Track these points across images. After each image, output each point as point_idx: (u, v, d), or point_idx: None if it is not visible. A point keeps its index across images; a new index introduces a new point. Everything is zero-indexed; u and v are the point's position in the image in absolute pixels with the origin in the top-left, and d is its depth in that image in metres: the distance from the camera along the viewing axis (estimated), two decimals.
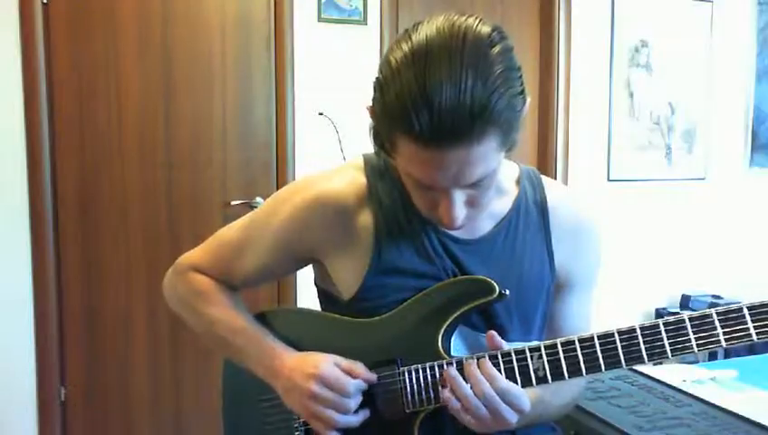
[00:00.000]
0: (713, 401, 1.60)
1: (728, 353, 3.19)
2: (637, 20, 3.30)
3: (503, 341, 0.99)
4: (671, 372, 1.93)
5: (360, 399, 1.02)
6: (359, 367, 1.02)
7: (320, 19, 2.79)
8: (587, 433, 1.50)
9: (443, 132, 0.84)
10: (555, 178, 3.14)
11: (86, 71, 2.56)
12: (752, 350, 3.11)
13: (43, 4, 2.47)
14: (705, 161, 3.52)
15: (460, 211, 0.94)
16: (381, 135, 0.93)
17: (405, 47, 0.87)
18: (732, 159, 3.61)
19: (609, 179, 3.34)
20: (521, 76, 0.92)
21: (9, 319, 2.49)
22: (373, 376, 1.03)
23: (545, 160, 3.25)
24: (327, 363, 1.01)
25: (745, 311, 0.91)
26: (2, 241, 2.47)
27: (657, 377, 1.78)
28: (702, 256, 3.47)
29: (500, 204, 1.10)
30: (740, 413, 1.52)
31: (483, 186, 0.94)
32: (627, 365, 0.95)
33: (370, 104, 0.94)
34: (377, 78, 0.91)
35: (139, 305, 2.67)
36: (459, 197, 0.93)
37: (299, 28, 2.77)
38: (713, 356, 3.27)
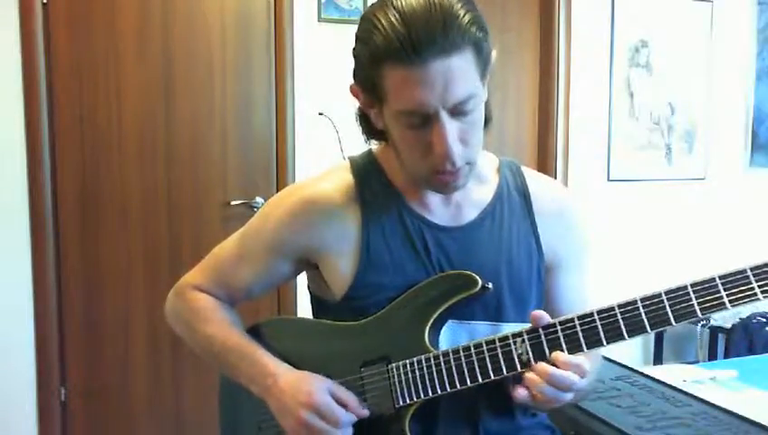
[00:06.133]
0: (713, 401, 1.60)
1: (728, 353, 3.20)
2: (637, 20, 3.30)
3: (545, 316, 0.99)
4: (671, 372, 1.93)
5: (351, 432, 1.03)
6: (352, 400, 1.04)
7: (320, 19, 2.79)
8: (587, 433, 1.51)
9: (423, 43, 0.91)
10: (555, 178, 3.16)
11: (86, 71, 2.56)
12: (751, 350, 3.11)
13: (43, 4, 2.47)
14: (705, 161, 3.52)
15: (454, 142, 0.97)
16: (371, 84, 0.99)
17: (378, 2, 0.98)
18: (732, 159, 3.61)
19: (609, 179, 3.34)
20: (486, 29, 0.98)
21: (9, 319, 2.49)
22: (365, 412, 1.04)
23: (545, 160, 3.25)
24: (321, 393, 1.03)
25: (749, 272, 0.90)
26: (2, 241, 2.47)
27: (657, 377, 1.78)
28: (702, 255, 3.47)
29: (482, 192, 1.14)
30: (740, 413, 1.52)
31: (470, 117, 0.98)
32: (608, 343, 0.96)
33: (353, 83, 1.04)
34: (356, 36, 1.00)
35: (138, 305, 2.66)
36: (451, 126, 0.97)
37: (299, 28, 2.77)
38: (713, 356, 3.27)
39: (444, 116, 0.96)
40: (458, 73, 0.94)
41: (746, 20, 3.56)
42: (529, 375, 0.96)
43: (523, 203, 1.15)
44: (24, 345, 2.51)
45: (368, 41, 0.96)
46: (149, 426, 2.72)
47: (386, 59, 0.94)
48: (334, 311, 1.12)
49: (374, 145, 1.17)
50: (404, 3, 0.94)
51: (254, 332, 1.18)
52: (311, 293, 1.21)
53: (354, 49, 1.02)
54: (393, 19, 0.93)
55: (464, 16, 0.93)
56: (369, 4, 2.79)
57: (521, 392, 0.97)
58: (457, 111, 0.97)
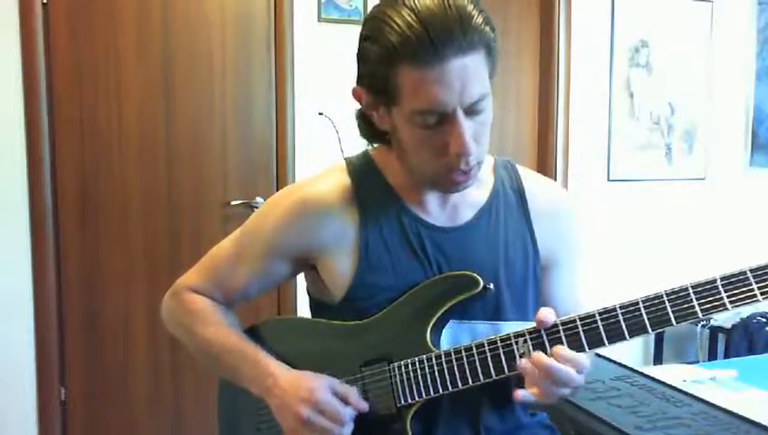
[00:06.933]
0: (713, 401, 1.60)
1: (728, 353, 3.20)
2: (637, 20, 3.30)
3: (549, 317, 1.00)
4: (671, 372, 1.93)
5: (351, 427, 1.03)
6: (353, 394, 1.04)
7: (320, 19, 2.79)
8: (587, 433, 1.51)
9: (442, 42, 0.92)
10: (555, 179, 3.16)
11: (86, 71, 2.55)
12: (751, 350, 3.11)
13: (43, 4, 2.46)
14: (705, 161, 3.52)
15: (469, 139, 0.98)
16: (381, 84, 0.98)
17: (386, 1, 0.97)
18: (732, 159, 3.61)
19: (609, 179, 3.34)
20: (496, 29, 0.99)
21: (9, 319, 2.49)
22: (365, 405, 1.04)
23: (545, 160, 3.24)
24: (323, 389, 1.03)
25: (749, 273, 0.91)
26: (2, 241, 2.47)
27: (657, 377, 1.78)
28: (702, 255, 3.47)
29: (478, 192, 1.14)
30: (740, 413, 1.52)
31: (482, 116, 0.99)
32: (609, 343, 0.97)
33: (356, 86, 1.04)
34: (364, 36, 0.99)
35: (138, 305, 2.66)
36: (467, 125, 0.97)
37: (299, 28, 2.77)
38: (713, 356, 3.28)
39: (461, 115, 0.96)
40: (473, 73, 0.95)
41: (746, 20, 3.56)
42: (527, 367, 0.96)
43: (518, 202, 1.15)
44: (24, 345, 2.51)
45: (379, 40, 0.95)
46: (149, 426, 2.72)
47: (402, 58, 0.94)
48: (334, 313, 1.11)
49: (370, 146, 1.17)
50: (417, 2, 0.93)
51: (253, 333, 1.18)
52: (310, 296, 1.21)
53: (361, 49, 1.01)
54: (408, 18, 0.92)
55: (477, 16, 0.94)
56: (369, 4, 2.80)
57: (522, 393, 0.97)
58: (472, 111, 0.97)
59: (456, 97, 0.95)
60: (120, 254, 2.64)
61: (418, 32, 0.92)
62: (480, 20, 0.94)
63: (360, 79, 1.03)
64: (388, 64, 0.95)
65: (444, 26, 0.91)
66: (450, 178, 1.02)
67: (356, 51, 1.02)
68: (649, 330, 0.95)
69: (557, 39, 3.18)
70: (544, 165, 3.23)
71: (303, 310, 2.40)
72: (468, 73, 0.94)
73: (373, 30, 0.97)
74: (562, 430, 1.28)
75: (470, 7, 0.94)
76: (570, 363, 0.96)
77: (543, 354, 0.96)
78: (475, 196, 1.13)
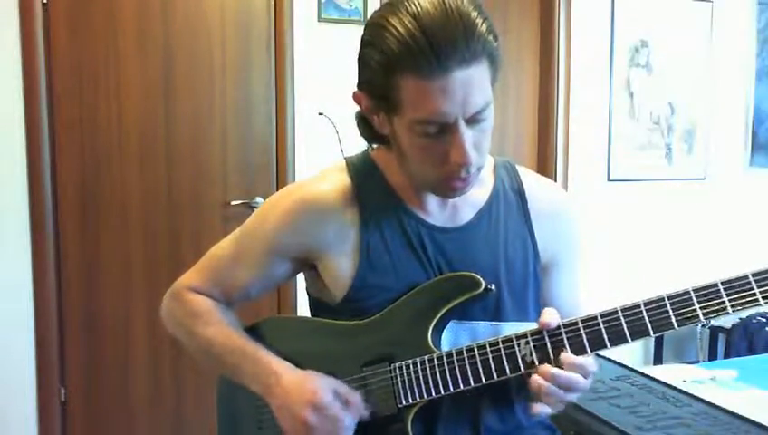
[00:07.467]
0: (713, 401, 1.60)
1: (728, 353, 3.20)
2: (637, 20, 3.30)
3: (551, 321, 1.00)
4: (671, 372, 1.93)
5: (353, 430, 1.03)
6: (354, 398, 1.04)
7: (320, 19, 2.79)
8: (587, 433, 1.51)
9: (445, 54, 0.90)
10: (555, 179, 3.16)
11: (86, 70, 2.55)
12: (751, 350, 3.12)
13: (43, 4, 2.46)
14: (705, 161, 3.52)
15: (470, 148, 0.97)
16: (382, 91, 0.97)
17: (387, 7, 0.95)
18: (732, 159, 3.61)
19: (609, 179, 3.34)
20: (498, 37, 0.97)
21: (9, 320, 2.49)
22: (365, 413, 1.04)
23: (545, 160, 3.25)
24: (326, 392, 1.02)
25: (751, 277, 0.91)
26: (2, 241, 2.47)
27: (657, 377, 1.78)
28: (702, 255, 3.47)
29: (479, 193, 1.13)
30: (740, 413, 1.52)
31: (483, 125, 0.98)
32: (611, 345, 0.97)
33: (357, 90, 1.03)
34: (364, 41, 0.98)
35: (138, 305, 2.66)
36: (468, 135, 0.96)
37: (299, 28, 2.77)
38: (713, 356, 3.28)
39: (462, 125, 0.95)
40: (476, 83, 0.93)
41: (746, 20, 3.56)
42: (534, 378, 0.97)
43: (518, 202, 1.15)
44: (24, 345, 2.51)
45: (381, 48, 0.93)
46: (149, 426, 2.72)
47: (404, 68, 0.92)
48: (334, 313, 1.11)
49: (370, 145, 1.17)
50: (419, 8, 0.91)
51: (253, 331, 1.18)
52: (309, 296, 1.21)
53: (362, 55, 0.99)
54: (410, 25, 0.90)
55: (481, 25, 0.92)
56: (369, 4, 2.80)
57: (538, 408, 0.97)
58: (473, 120, 0.96)
59: (458, 108, 0.93)
60: (120, 254, 2.64)
61: (421, 41, 0.89)
62: (484, 29, 0.92)
63: (361, 84, 1.02)
64: (388, 73, 0.94)
65: (447, 36, 0.89)
66: (449, 184, 1.02)
67: (357, 54, 1.01)
68: (651, 333, 0.95)
69: (557, 39, 3.18)
70: (544, 165, 3.23)
71: (303, 310, 2.40)
72: (471, 84, 0.92)
73: (374, 36, 0.95)
74: (562, 430, 1.28)
75: (474, 14, 0.91)
76: (578, 369, 0.96)
77: (549, 365, 0.96)
78: (475, 196, 1.13)
